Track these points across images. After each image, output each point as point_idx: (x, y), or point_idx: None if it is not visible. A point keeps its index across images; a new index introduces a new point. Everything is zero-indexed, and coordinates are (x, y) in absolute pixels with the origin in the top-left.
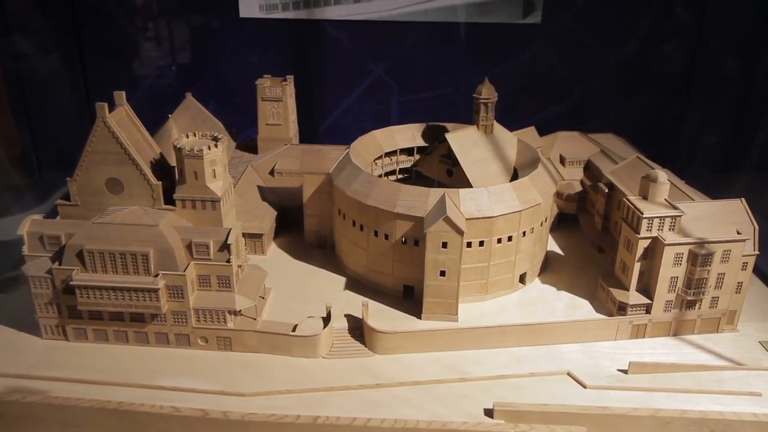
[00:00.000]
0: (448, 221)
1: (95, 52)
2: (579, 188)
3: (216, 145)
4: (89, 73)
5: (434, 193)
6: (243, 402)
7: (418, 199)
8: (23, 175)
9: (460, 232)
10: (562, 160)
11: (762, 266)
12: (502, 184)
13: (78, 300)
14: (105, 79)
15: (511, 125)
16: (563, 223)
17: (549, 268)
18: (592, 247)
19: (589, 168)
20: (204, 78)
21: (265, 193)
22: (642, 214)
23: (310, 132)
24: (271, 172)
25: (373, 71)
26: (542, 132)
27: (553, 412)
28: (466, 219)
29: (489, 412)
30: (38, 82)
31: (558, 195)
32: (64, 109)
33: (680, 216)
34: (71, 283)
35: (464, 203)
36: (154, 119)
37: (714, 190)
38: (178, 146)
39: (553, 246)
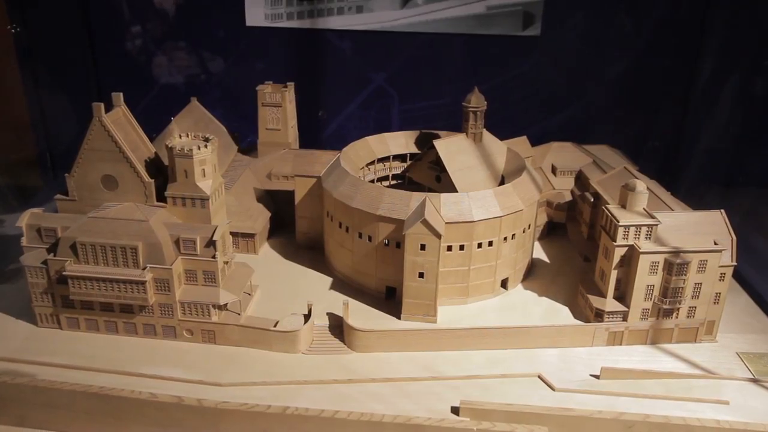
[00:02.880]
0: (426, 224)
1: (108, 59)
2: (569, 198)
3: (206, 146)
4: (102, 79)
5: (416, 197)
6: (219, 391)
7: (400, 203)
8: (38, 174)
9: (438, 235)
10: (554, 170)
11: (750, 278)
12: (484, 190)
13: (70, 290)
14: (117, 85)
15: (510, 136)
16: (552, 232)
17: (533, 274)
18: (579, 256)
19: (580, 178)
20: (211, 84)
21: (262, 195)
22: (618, 222)
23: (313, 138)
24: (269, 175)
25: (374, 80)
26: (541, 143)
27: (517, 412)
28: (446, 223)
29: (455, 410)
30: (54, 88)
31: (548, 204)
32: (77, 113)
33: (656, 225)
34: (64, 273)
35: (445, 207)
36: (163, 123)
37: (710, 204)
38: (169, 146)
39: (540, 254)
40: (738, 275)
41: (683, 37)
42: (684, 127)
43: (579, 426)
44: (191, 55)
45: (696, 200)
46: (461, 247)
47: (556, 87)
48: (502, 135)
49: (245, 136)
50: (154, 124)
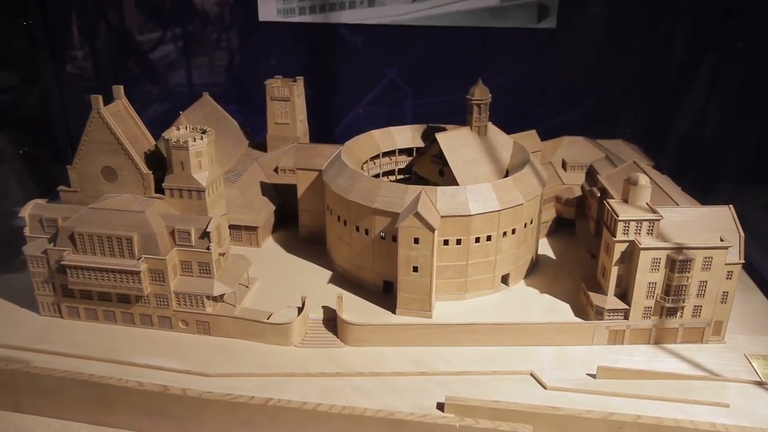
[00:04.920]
0: (419, 217)
1: (126, 54)
2: (579, 193)
3: (202, 138)
4: (120, 75)
5: (412, 190)
6: (206, 382)
7: (396, 196)
8: (60, 169)
9: (431, 229)
10: (564, 165)
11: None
12: (482, 184)
13: (68, 279)
14: (133, 81)
15: (525, 130)
16: (561, 227)
17: (537, 271)
18: (586, 252)
19: (591, 173)
20: (225, 79)
21: (268, 189)
22: (617, 216)
23: (325, 133)
24: (276, 169)
25: (387, 74)
26: (556, 137)
27: (503, 409)
28: (442, 216)
29: (441, 406)
30: (73, 83)
31: (557, 199)
32: None
33: (658, 220)
34: (62, 263)
35: (441, 201)
36: (175, 118)
37: (733, 202)
38: (166, 138)
39: (547, 250)
40: (756, 274)
41: (704, 28)
42: (706, 122)
43: (566, 426)
44: (205, 51)
45: (719, 197)
46: (458, 242)
47: (571, 81)
48: (517, 129)
49: (259, 131)
50: (168, 118)
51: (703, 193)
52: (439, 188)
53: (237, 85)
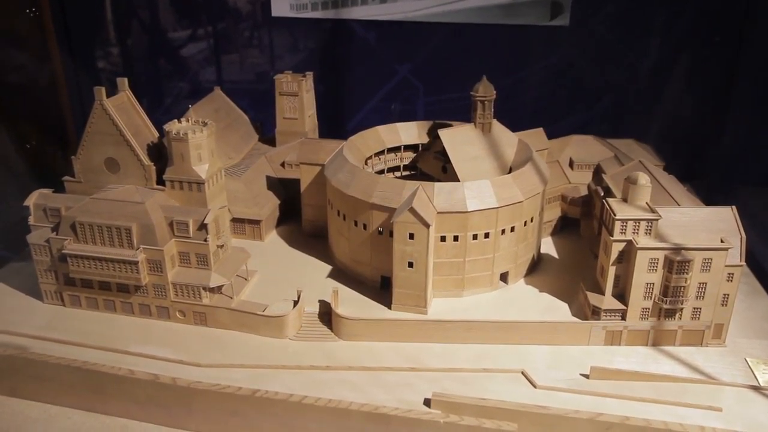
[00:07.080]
0: (413, 212)
1: (140, 50)
2: (586, 192)
3: (202, 130)
4: (136, 71)
5: (409, 186)
6: (198, 371)
7: (394, 191)
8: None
9: (426, 224)
10: (572, 164)
11: None
12: (480, 180)
13: (69, 268)
14: (148, 77)
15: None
16: (567, 227)
17: (539, 269)
18: (590, 252)
19: (598, 172)
20: (239, 75)
21: (274, 183)
22: (615, 215)
23: (337, 129)
24: (282, 164)
25: (399, 71)
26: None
27: (489, 407)
28: (438, 212)
29: (428, 402)
30: (89, 78)
31: (563, 198)
32: None
33: (656, 219)
34: (63, 251)
35: (438, 197)
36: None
37: (745, 204)
38: (167, 130)
39: (551, 249)
40: (766, 279)
41: (723, 26)
42: (722, 123)
43: (552, 425)
44: (218, 46)
45: (734, 200)
46: (455, 238)
47: (585, 79)
48: (529, 128)
49: (272, 126)
50: (180, 114)
51: (717, 194)
52: (437, 184)
53: (250, 81)
